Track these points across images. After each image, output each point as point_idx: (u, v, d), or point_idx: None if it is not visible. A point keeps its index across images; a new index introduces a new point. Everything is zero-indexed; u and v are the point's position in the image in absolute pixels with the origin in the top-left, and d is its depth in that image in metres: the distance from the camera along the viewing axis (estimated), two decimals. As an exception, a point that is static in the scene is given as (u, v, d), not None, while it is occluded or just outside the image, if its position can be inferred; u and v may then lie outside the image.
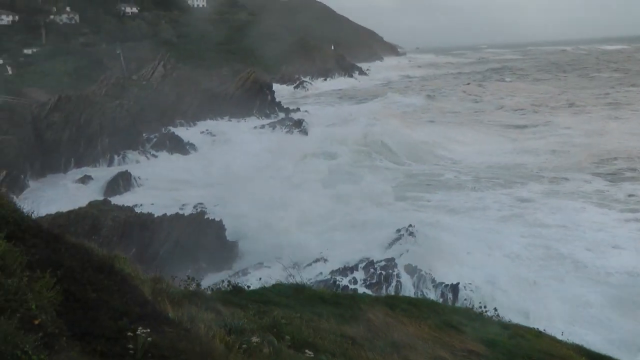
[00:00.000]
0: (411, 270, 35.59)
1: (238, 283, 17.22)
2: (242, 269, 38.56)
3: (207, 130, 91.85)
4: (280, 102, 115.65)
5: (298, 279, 19.03)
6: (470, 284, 33.31)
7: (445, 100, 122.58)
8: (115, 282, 7.30)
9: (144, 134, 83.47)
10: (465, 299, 31.33)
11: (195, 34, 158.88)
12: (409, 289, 33.92)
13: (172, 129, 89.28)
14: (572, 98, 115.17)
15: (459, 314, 18.27)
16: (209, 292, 14.44)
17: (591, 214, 47.27)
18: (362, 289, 32.78)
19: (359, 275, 35.46)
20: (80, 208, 43.51)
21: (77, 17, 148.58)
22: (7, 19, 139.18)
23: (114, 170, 68.77)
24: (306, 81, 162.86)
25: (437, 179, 59.97)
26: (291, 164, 66.26)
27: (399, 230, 40.29)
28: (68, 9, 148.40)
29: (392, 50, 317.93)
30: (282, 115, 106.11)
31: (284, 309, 13.24)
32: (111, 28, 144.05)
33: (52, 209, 41.66)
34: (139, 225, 43.18)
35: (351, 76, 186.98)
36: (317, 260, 38.09)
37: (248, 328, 9.11)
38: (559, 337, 18.62)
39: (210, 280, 28.34)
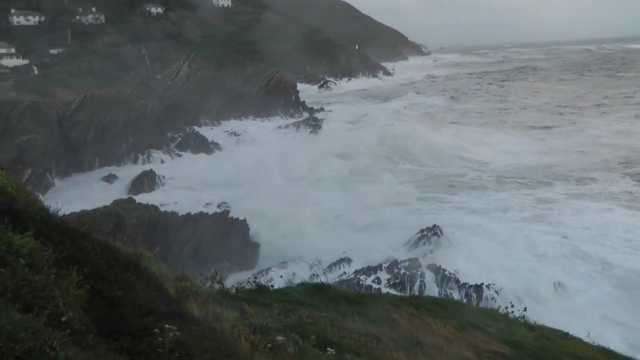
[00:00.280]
0: (435, 270, 35.47)
1: (262, 282, 17.24)
2: (266, 268, 38.62)
3: (231, 129, 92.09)
4: (304, 101, 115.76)
5: (322, 279, 19.02)
6: (494, 284, 33.10)
7: (469, 101, 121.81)
8: (141, 280, 7.30)
9: (168, 134, 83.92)
10: (490, 300, 31.19)
11: (220, 34, 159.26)
12: (433, 289, 33.80)
13: (197, 129, 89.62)
14: (598, 98, 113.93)
15: (483, 314, 18.17)
16: (233, 290, 14.44)
17: (619, 215, 46.74)
18: (385, 289, 32.72)
19: (383, 275, 35.38)
20: (105, 206, 43.85)
21: (102, 18, 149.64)
22: (33, 20, 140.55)
23: (139, 169, 69.18)
24: (330, 81, 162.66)
25: (460, 180, 59.57)
26: (313, 164, 66.20)
27: (422, 231, 40.15)
28: (94, 9, 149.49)
29: (417, 50, 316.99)
30: (306, 114, 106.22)
31: (309, 308, 13.22)
32: (136, 28, 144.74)
33: (77, 208, 41.99)
34: (163, 224, 43.42)
35: (375, 76, 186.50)
36: (340, 260, 38.05)
37: (273, 327, 9.10)
38: (585, 339, 18.45)
39: (234, 279, 28.41)
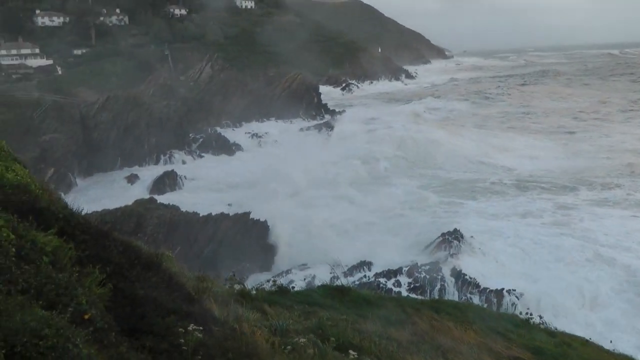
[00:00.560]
0: (455, 274, 35.32)
1: (282, 284, 17.23)
2: (286, 269, 38.65)
3: (252, 131, 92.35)
4: (326, 104, 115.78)
5: (342, 281, 18.99)
6: (514, 290, 32.89)
7: (491, 105, 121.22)
8: (163, 280, 7.33)
9: (190, 134, 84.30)
10: (510, 305, 31.02)
11: (242, 36, 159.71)
12: (453, 293, 33.68)
13: (219, 130, 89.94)
14: (623, 103, 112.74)
15: (504, 319, 18.07)
16: (254, 292, 14.45)
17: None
18: (406, 292, 32.64)
19: (403, 278, 35.30)
20: (126, 206, 44.10)
21: (126, 19, 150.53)
22: (58, 21, 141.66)
23: (160, 169, 69.54)
24: (353, 83, 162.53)
25: (482, 185, 59.08)
26: (333, 166, 66.16)
27: (443, 235, 40.01)
28: (118, 10, 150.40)
29: (440, 53, 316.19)
30: (328, 117, 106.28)
31: (329, 311, 13.20)
32: (160, 30, 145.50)
33: (99, 207, 42.24)
34: (184, 224, 43.57)
35: (398, 79, 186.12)
36: (361, 263, 38.01)
37: (293, 329, 9.09)
38: (607, 346, 18.28)
39: (254, 280, 28.40)
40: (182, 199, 52.98)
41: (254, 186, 57.83)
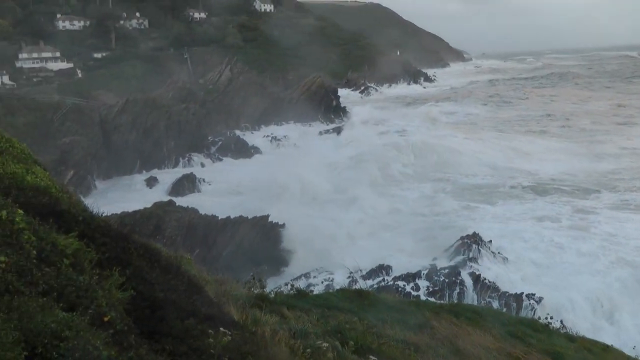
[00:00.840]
0: (474, 278, 35.16)
1: (301, 287, 17.23)
2: (305, 272, 38.62)
3: (271, 134, 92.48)
4: (345, 107, 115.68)
5: (361, 285, 18.96)
6: (534, 294, 32.70)
7: (510, 108, 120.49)
8: (182, 283, 7.34)
9: (209, 137, 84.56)
10: (530, 309, 30.84)
11: (261, 39, 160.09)
12: (472, 297, 33.52)
13: (238, 133, 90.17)
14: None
15: (523, 324, 17.94)
16: (272, 295, 14.46)
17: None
18: (424, 296, 32.54)
19: (422, 282, 35.20)
20: (145, 208, 44.29)
21: (146, 23, 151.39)
22: (78, 24, 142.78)
23: (179, 172, 69.81)
24: (372, 87, 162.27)
25: (502, 189, 58.62)
26: (351, 170, 66.10)
27: (462, 238, 39.82)
28: (138, 14, 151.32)
29: (458, 56, 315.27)
30: (347, 120, 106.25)
31: (348, 315, 13.18)
32: (179, 33, 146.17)
33: (118, 209, 42.42)
34: (203, 227, 43.69)
35: (417, 82, 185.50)
36: (380, 267, 37.93)
37: (312, 332, 9.08)
38: (629, 352, 18.13)
39: (272, 284, 28.43)
40: (201, 202, 53.14)
41: (273, 189, 57.80)
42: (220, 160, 79.42)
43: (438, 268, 36.54)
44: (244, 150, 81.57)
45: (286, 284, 18.45)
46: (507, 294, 33.15)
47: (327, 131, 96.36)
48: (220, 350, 5.77)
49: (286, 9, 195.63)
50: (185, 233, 42.68)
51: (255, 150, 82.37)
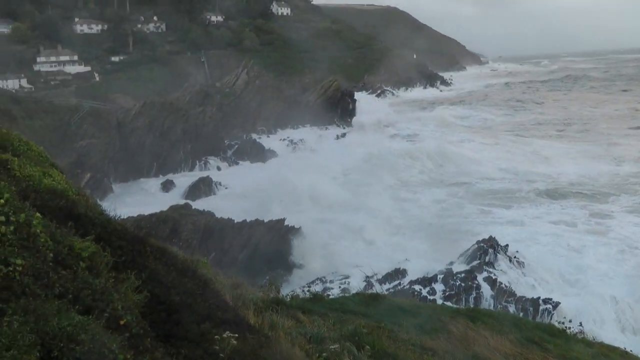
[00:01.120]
0: (491, 282, 34.99)
1: (317, 291, 17.20)
2: (321, 276, 38.58)
3: (288, 137, 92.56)
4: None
5: (377, 288, 18.90)
6: (551, 299, 32.49)
7: (527, 112, 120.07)
8: (198, 286, 7.33)
9: (225, 141, 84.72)
10: (547, 314, 30.66)
11: (278, 42, 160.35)
12: (488, 302, 33.36)
13: (254, 136, 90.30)
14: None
15: (540, 329, 17.81)
16: (288, 299, 14.43)
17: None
18: (440, 300, 32.43)
19: (438, 286, 35.07)
20: (161, 212, 44.37)
21: (163, 26, 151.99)
22: (96, 28, 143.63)
23: (196, 175, 69.98)
24: (388, 90, 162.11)
25: (517, 193, 58.31)
26: (367, 174, 66.02)
27: (478, 242, 39.63)
28: (155, 18, 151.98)
29: (475, 59, 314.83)
30: (355, 122, 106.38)
31: (364, 319, 13.14)
32: (196, 36, 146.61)
33: (135, 212, 42.50)
34: (219, 230, 43.72)
35: (433, 85, 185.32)
36: (395, 271, 37.85)
37: (328, 337, 9.05)
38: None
39: (288, 287, 28.43)
40: (217, 205, 53.14)
41: (289, 192, 57.76)
42: (237, 163, 79.54)
43: (454, 272, 36.39)
44: (260, 154, 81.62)
45: (302, 288, 18.41)
46: (523, 299, 32.97)
47: (343, 135, 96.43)
48: (234, 354, 5.75)
49: (303, 12, 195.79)
50: (201, 236, 42.73)
51: (272, 153, 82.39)
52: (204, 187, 64.17)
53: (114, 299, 5.41)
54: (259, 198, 57.40)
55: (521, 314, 29.73)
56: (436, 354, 11.50)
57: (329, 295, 17.09)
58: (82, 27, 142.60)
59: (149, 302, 6.10)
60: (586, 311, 31.92)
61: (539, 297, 32.68)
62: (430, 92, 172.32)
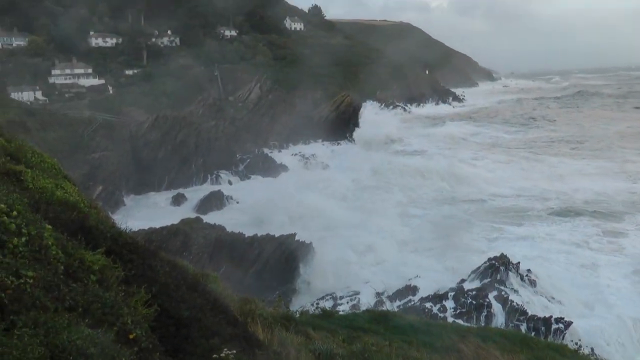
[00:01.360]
0: (502, 300, 34.77)
1: (327, 307, 17.14)
2: (331, 292, 38.45)
3: (300, 152, 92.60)
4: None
5: (388, 305, 18.83)
6: (563, 318, 32.23)
7: (539, 129, 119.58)
8: (208, 301, 7.32)
9: (237, 155, 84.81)
10: (559, 334, 30.42)
11: (291, 57, 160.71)
12: (500, 320, 33.14)
13: (266, 151, 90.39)
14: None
15: (552, 349, 17.68)
16: (298, 315, 14.38)
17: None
18: (451, 318, 32.24)
19: (449, 303, 34.88)
20: (172, 225, 44.41)
21: (177, 40, 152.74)
22: (111, 42, 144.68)
23: (207, 189, 70.05)
24: (400, 105, 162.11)
25: (529, 211, 57.82)
26: (378, 191, 65.96)
27: (490, 260, 39.40)
28: (169, 32, 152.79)
29: (487, 75, 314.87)
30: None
31: (374, 336, 13.07)
32: (210, 51, 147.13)
33: (146, 225, 42.61)
34: (230, 244, 43.67)
35: (445, 102, 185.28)
36: (406, 287, 37.67)
37: (338, 353, 9.00)
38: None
39: (298, 303, 28.35)
40: (228, 219, 53.17)
41: (301, 207, 57.66)
42: (248, 178, 79.57)
43: (465, 289, 36.20)
44: (272, 169, 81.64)
45: (312, 304, 18.34)
46: (535, 318, 32.72)
47: (352, 150, 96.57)
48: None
49: (315, 28, 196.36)
50: (212, 250, 42.71)
51: (283, 168, 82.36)
52: (215, 200, 64.23)
53: (124, 313, 5.41)
54: (270, 213, 57.35)
55: (532, 333, 29.53)
56: (446, 372, 11.43)
57: (338, 311, 17.00)
58: (97, 41, 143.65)
59: (159, 316, 6.10)
60: (599, 332, 31.64)
61: (550, 317, 32.40)
62: (443, 108, 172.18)
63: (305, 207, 56.22)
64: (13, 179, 8.44)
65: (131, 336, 5.21)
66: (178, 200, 67.52)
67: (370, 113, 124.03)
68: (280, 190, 66.65)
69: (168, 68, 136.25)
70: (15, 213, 5.83)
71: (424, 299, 35.46)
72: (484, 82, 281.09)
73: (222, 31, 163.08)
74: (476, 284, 37.27)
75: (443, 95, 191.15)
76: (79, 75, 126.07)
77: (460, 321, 30.17)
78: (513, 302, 34.54)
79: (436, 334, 15.49)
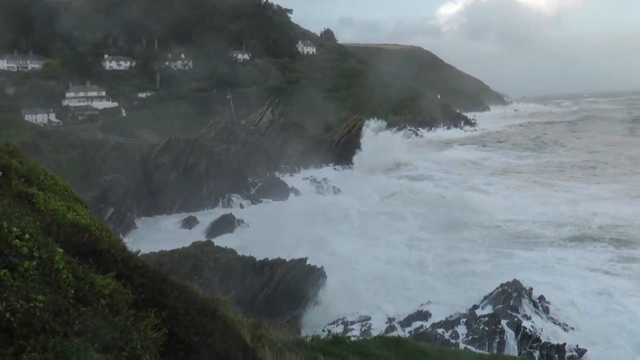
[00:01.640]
0: (515, 327, 34.47)
1: (338, 333, 17.04)
2: (342, 317, 38.25)
3: (311, 176, 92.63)
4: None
5: (399, 331, 18.70)
6: (577, 345, 31.94)
7: (550, 153, 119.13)
8: (218, 327, 7.27)
9: (249, 178, 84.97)
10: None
11: (303, 81, 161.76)
12: (512, 347, 32.84)
13: (277, 174, 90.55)
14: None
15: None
16: (309, 340, 14.28)
17: None
18: (463, 344, 31.99)
19: (461, 329, 34.62)
20: (183, 248, 44.44)
21: (190, 64, 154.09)
22: (124, 65, 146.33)
23: (218, 212, 70.15)
24: (412, 130, 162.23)
25: (543, 237, 57.38)
26: (390, 218, 65.88)
27: (502, 285, 39.15)
28: (183, 55, 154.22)
29: (499, 99, 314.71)
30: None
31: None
32: (223, 74, 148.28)
33: (157, 248, 42.64)
34: (240, 268, 43.60)
35: (457, 126, 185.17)
36: (418, 313, 37.46)
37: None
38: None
39: (309, 328, 28.21)
40: (239, 243, 53.15)
41: (312, 232, 57.62)
42: (260, 201, 79.63)
43: (478, 315, 35.93)
44: (283, 192, 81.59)
45: (323, 329, 18.25)
46: (548, 345, 32.41)
47: (365, 175, 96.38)
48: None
49: (328, 52, 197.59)
50: (223, 274, 42.64)
51: (295, 192, 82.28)
52: (226, 224, 64.28)
53: (133, 338, 5.37)
54: (281, 237, 57.27)
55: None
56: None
57: (349, 337, 16.86)
58: (111, 64, 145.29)
59: (168, 341, 6.06)
60: (614, 358, 31.34)
61: (564, 344, 32.09)
62: (454, 133, 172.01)
63: (316, 232, 56.15)
64: (25, 201, 8.45)
65: (140, 361, 5.17)
66: (189, 223, 67.60)
67: (383, 137, 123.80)
68: (291, 214, 66.58)
69: (181, 91, 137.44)
70: (27, 236, 5.83)
71: (435, 325, 35.23)
72: (496, 106, 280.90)
73: (235, 55, 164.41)
74: (489, 309, 37.00)
75: (455, 119, 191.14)
76: (92, 98, 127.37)
77: (472, 348, 29.92)
78: (526, 328, 34.23)
79: (448, 360, 15.37)
